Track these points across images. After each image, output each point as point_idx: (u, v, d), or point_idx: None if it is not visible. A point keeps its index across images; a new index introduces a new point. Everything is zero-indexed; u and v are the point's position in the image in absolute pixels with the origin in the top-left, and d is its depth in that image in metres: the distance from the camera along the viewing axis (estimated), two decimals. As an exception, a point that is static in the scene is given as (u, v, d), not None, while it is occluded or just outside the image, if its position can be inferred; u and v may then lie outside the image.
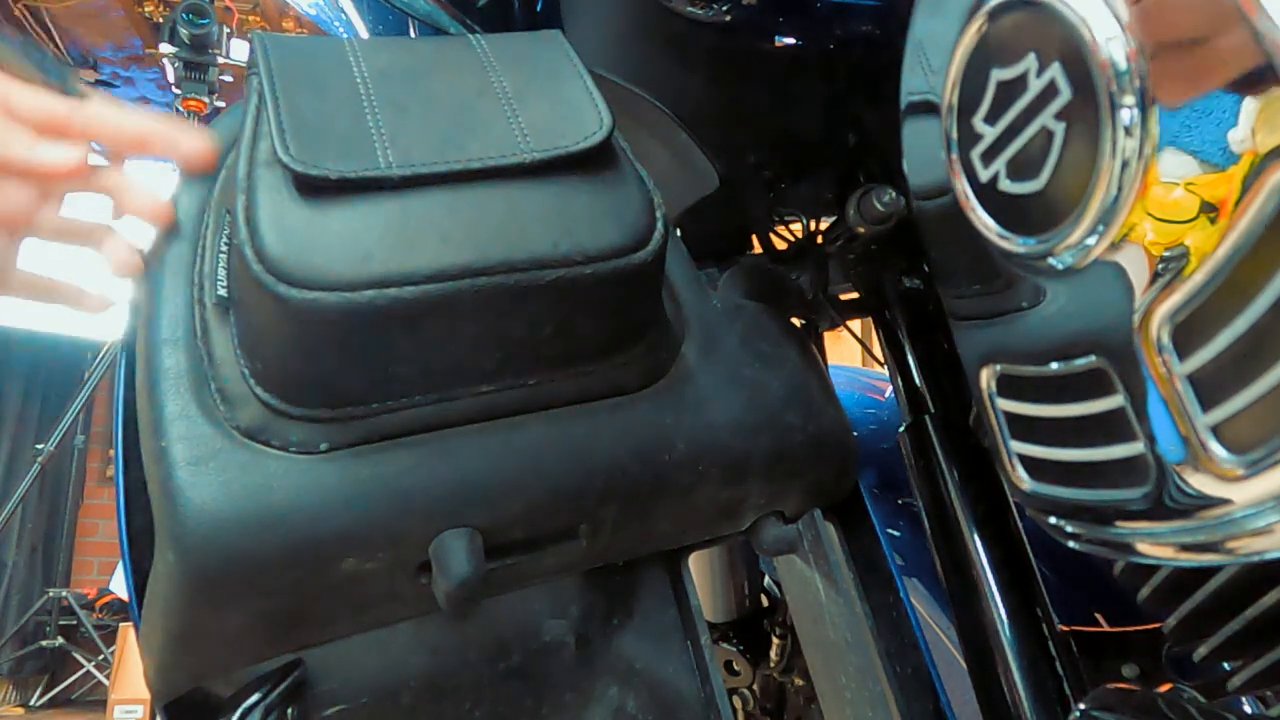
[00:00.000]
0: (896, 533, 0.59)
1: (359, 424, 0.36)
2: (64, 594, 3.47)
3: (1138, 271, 0.26)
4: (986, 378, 0.34)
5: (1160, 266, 0.25)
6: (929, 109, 0.35)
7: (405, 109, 0.37)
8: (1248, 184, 0.22)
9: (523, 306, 0.35)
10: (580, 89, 0.40)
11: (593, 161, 0.38)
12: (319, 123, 0.35)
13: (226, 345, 0.37)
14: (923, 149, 0.36)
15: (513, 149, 0.37)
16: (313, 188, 0.34)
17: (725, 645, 0.95)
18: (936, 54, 0.34)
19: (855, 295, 0.64)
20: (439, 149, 0.36)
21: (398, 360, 0.35)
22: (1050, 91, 0.28)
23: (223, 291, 0.38)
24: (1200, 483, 0.25)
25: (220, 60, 2.61)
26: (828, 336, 0.66)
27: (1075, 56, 0.26)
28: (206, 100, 2.56)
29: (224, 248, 0.39)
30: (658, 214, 0.38)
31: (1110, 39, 0.25)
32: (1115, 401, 0.27)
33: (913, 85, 0.36)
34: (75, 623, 3.44)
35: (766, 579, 0.95)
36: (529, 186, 0.37)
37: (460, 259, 0.34)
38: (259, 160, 0.35)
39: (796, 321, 0.55)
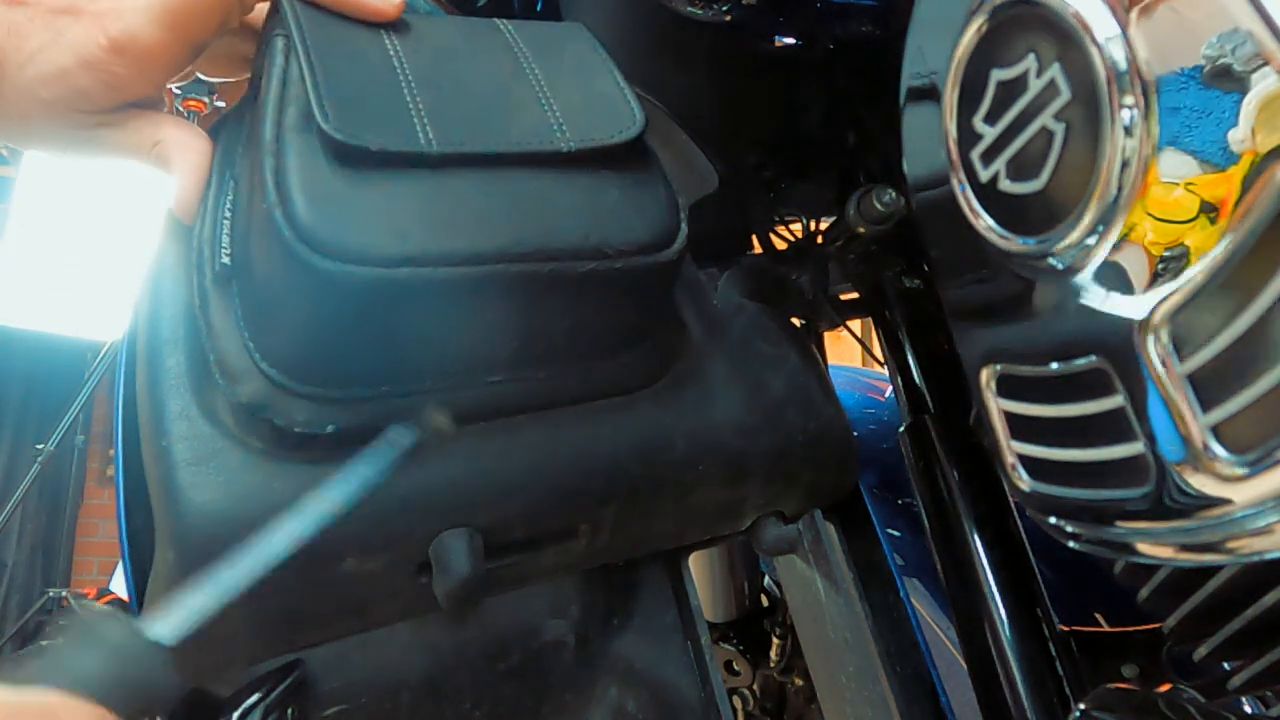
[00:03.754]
0: (896, 533, 0.59)
1: (368, 406, 0.35)
2: (64, 594, 3.47)
3: (1138, 271, 0.26)
4: (986, 377, 0.34)
5: (1160, 266, 0.25)
6: (929, 108, 0.35)
7: (440, 86, 0.36)
8: (1248, 184, 0.22)
9: (548, 296, 0.35)
10: (611, 83, 0.40)
11: (625, 157, 0.38)
12: (356, 92, 0.34)
13: (228, 317, 0.36)
14: (922, 148, 0.36)
15: (550, 137, 0.36)
16: (350, 158, 0.33)
17: (725, 645, 0.95)
18: (936, 53, 0.34)
19: (855, 295, 0.64)
20: (477, 130, 0.35)
21: (417, 341, 0.35)
22: (1050, 91, 0.28)
23: (226, 260, 0.37)
24: (1200, 483, 0.25)
25: (220, 60, 2.60)
26: (828, 336, 0.66)
27: (1075, 56, 0.26)
28: (206, 100, 2.56)
29: (227, 214, 0.38)
30: (681, 214, 0.39)
31: (1110, 39, 0.25)
32: (1115, 401, 0.27)
33: (912, 84, 0.36)
34: (75, 623, 3.44)
35: (766, 579, 0.95)
36: (564, 176, 0.36)
37: (495, 243, 0.34)
38: (288, 125, 0.34)
39: (796, 321, 0.55)
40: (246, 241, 0.36)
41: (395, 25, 0.38)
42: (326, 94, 0.33)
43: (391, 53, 0.37)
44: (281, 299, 0.34)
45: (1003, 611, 0.46)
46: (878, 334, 0.60)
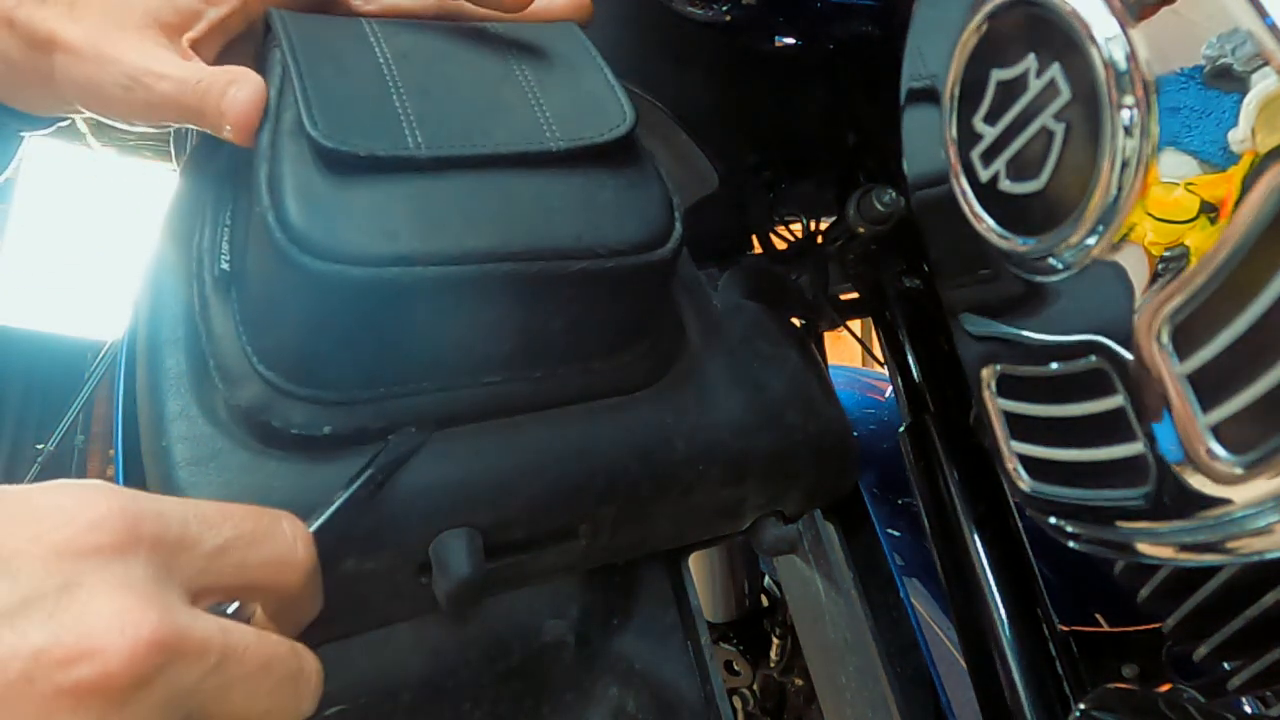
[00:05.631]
0: (896, 533, 0.59)
1: (364, 408, 0.36)
2: (64, 594, 3.46)
3: (1138, 271, 0.26)
4: (986, 377, 0.34)
5: (1160, 266, 0.25)
6: (929, 108, 0.35)
7: (429, 91, 0.37)
8: (1248, 184, 0.22)
9: (541, 296, 0.35)
10: (601, 81, 0.40)
11: (616, 155, 0.38)
12: (345, 100, 0.35)
13: (227, 321, 0.36)
14: (922, 148, 0.36)
15: (539, 137, 0.36)
16: (340, 164, 0.34)
17: (725, 645, 0.95)
18: (936, 54, 0.34)
19: (855, 295, 0.64)
20: (466, 133, 0.36)
21: (411, 342, 0.35)
22: (1050, 91, 0.28)
23: (225, 265, 0.37)
24: (1200, 483, 0.25)
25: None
26: (828, 336, 0.66)
27: (1075, 56, 0.26)
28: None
29: (228, 222, 0.38)
30: (676, 212, 0.38)
31: (1110, 39, 0.25)
32: (1115, 401, 0.27)
33: (912, 85, 0.36)
34: (75, 623, 3.44)
35: (766, 579, 0.95)
36: (554, 176, 0.36)
37: (485, 243, 0.34)
38: (283, 130, 0.34)
39: (796, 321, 0.55)
40: (244, 246, 0.36)
41: (387, 34, 0.38)
42: (316, 102, 0.34)
43: (381, 61, 0.37)
44: (277, 302, 0.34)
45: (1003, 611, 0.46)
46: (878, 334, 0.60)
